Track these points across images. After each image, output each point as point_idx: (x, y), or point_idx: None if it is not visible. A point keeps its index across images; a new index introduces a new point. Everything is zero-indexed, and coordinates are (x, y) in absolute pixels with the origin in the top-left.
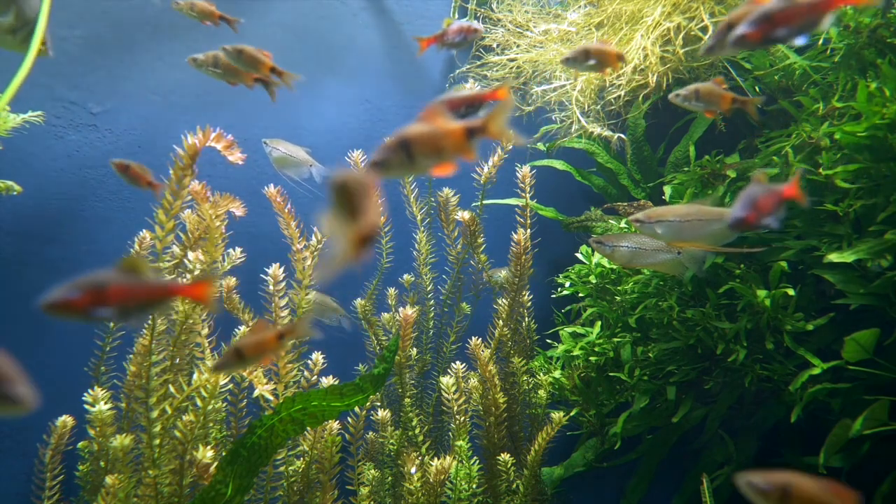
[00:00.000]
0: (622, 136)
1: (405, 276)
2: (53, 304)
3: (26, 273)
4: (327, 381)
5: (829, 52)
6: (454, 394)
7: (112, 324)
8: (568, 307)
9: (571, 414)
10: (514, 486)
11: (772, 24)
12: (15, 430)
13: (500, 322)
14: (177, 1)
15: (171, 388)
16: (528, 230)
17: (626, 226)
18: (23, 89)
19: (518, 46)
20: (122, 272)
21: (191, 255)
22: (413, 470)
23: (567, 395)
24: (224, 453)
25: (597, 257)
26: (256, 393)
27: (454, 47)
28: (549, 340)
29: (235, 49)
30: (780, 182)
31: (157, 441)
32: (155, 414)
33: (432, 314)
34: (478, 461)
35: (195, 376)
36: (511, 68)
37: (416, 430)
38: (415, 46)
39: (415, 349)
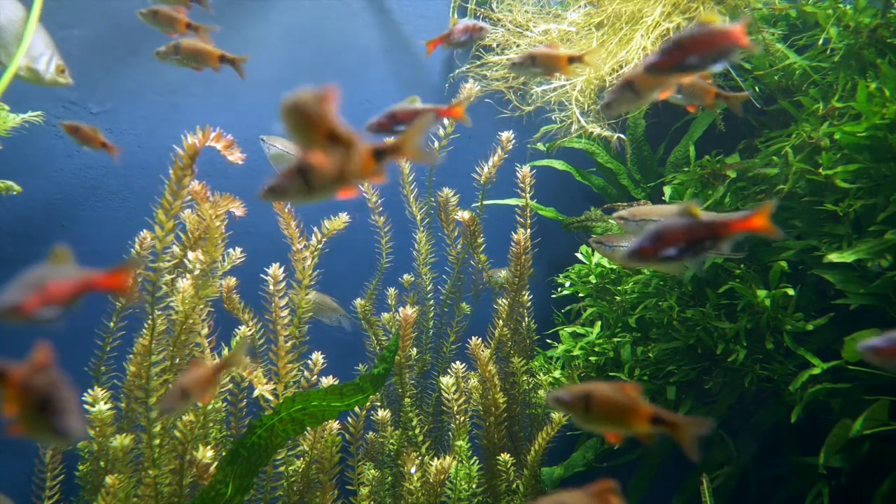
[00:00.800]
0: (622, 136)
1: (405, 276)
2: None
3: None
4: (327, 381)
5: (829, 52)
6: (454, 394)
7: (112, 324)
8: (568, 307)
9: None
10: (514, 486)
11: (683, 52)
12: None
13: (500, 322)
14: (141, 10)
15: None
16: (528, 230)
17: None
18: (23, 89)
19: (518, 46)
20: (46, 268)
21: (191, 254)
22: (413, 470)
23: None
24: (224, 453)
25: (597, 257)
26: (256, 393)
27: (460, 46)
28: (549, 340)
29: (151, 11)
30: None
31: (157, 441)
32: (155, 414)
33: (432, 314)
34: (478, 461)
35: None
36: None
37: (416, 430)
38: (415, 46)
39: (415, 349)
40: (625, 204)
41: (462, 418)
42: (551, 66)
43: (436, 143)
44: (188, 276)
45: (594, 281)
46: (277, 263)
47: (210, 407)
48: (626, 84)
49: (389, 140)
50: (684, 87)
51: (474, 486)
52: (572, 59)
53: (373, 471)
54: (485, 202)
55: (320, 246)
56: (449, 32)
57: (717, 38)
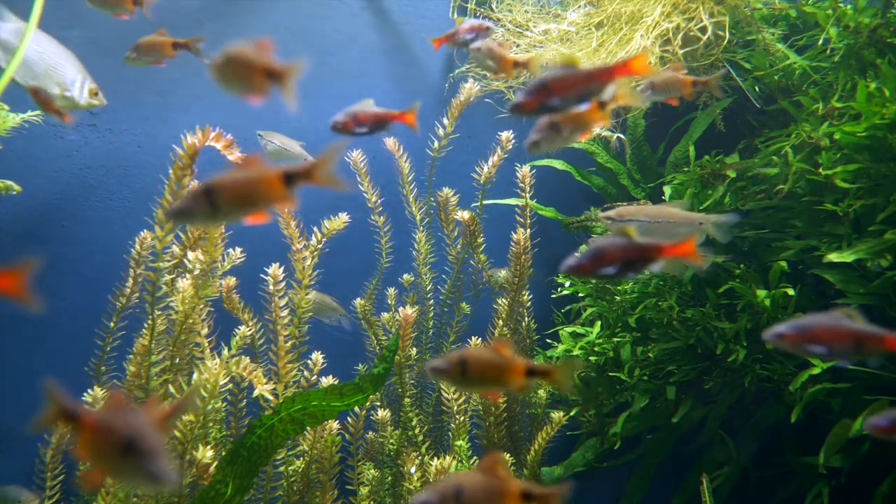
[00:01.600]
0: (621, 135)
1: (405, 276)
2: None
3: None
4: (327, 380)
5: (828, 52)
6: (454, 394)
7: (112, 324)
8: (568, 307)
9: (571, 414)
10: None
11: (548, 92)
12: (16, 429)
13: (500, 322)
14: (127, 56)
15: (171, 388)
16: (528, 230)
17: None
18: (23, 89)
19: (518, 46)
20: None
21: (190, 254)
22: (413, 470)
23: (567, 394)
24: (224, 453)
25: None
26: (256, 393)
27: (466, 46)
28: (548, 340)
29: (134, 49)
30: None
31: None
32: None
33: (432, 314)
34: (477, 461)
35: (195, 376)
36: None
37: (416, 430)
38: (415, 46)
39: (415, 349)
40: (625, 204)
41: (462, 418)
42: (498, 64)
43: (435, 143)
44: (188, 276)
45: (594, 281)
46: (277, 263)
47: (210, 407)
48: (550, 124)
49: (299, 165)
50: (657, 84)
51: None
52: (517, 63)
53: (373, 471)
54: (485, 202)
55: (320, 246)
56: (455, 31)
57: (583, 80)
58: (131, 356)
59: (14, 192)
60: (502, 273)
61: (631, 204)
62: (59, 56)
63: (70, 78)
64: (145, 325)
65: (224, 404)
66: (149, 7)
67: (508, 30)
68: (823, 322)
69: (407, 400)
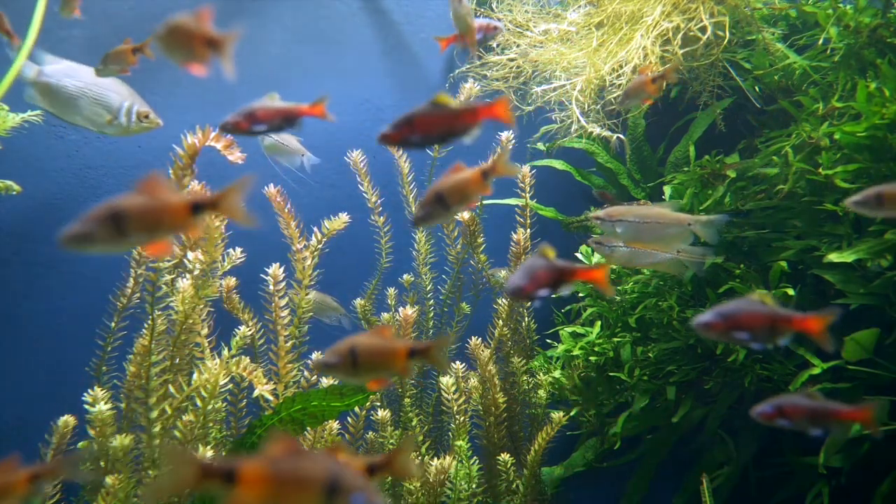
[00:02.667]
0: (621, 136)
1: (405, 276)
2: None
3: (27, 273)
4: (327, 381)
5: (828, 51)
6: (454, 394)
7: (113, 324)
8: (568, 307)
9: (571, 414)
10: (514, 485)
11: (412, 128)
12: (15, 429)
13: (500, 322)
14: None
15: (171, 388)
16: (528, 230)
17: None
18: (22, 89)
19: (518, 46)
20: None
21: (190, 255)
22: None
23: (567, 394)
24: (224, 453)
25: (597, 257)
26: (256, 393)
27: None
28: (548, 340)
29: (103, 61)
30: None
31: (157, 441)
32: (155, 414)
33: (432, 314)
34: (477, 461)
35: (195, 376)
36: (511, 68)
37: (416, 430)
38: (414, 46)
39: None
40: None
41: (462, 418)
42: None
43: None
44: (188, 276)
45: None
46: (277, 263)
47: (210, 407)
48: (435, 197)
49: (210, 195)
50: (629, 92)
51: (474, 485)
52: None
53: None
54: (485, 202)
55: (320, 246)
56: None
57: (449, 119)
58: (131, 356)
59: (14, 192)
60: (502, 273)
61: (632, 204)
62: (100, 86)
63: (117, 105)
64: (145, 326)
65: (224, 404)
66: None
67: (508, 30)
68: (744, 308)
69: (407, 400)
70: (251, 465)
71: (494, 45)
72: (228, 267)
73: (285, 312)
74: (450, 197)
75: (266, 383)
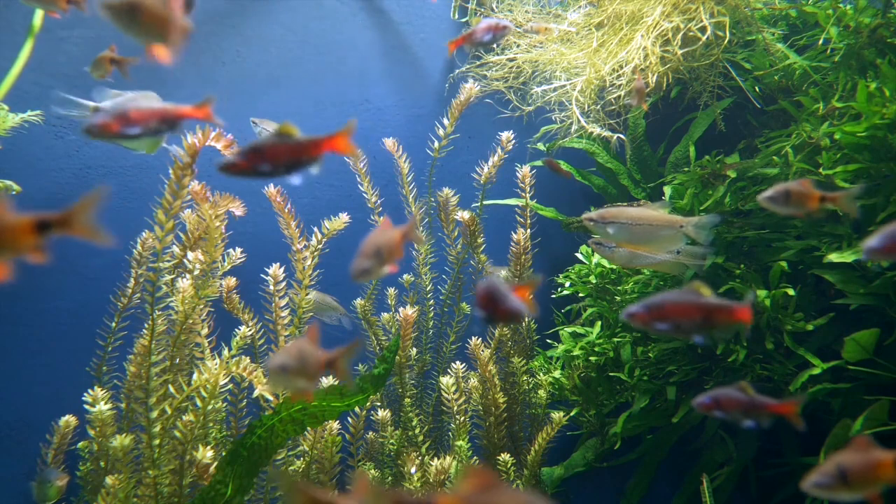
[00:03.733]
0: (621, 135)
1: (405, 276)
2: None
3: (26, 273)
4: (327, 381)
5: (829, 52)
6: (454, 394)
7: (114, 324)
8: (568, 307)
9: (571, 414)
10: (514, 485)
11: (260, 157)
12: (16, 429)
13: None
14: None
15: (171, 389)
16: (528, 230)
17: None
18: (22, 89)
19: (518, 46)
20: None
21: (190, 255)
22: (413, 470)
23: (567, 395)
24: (224, 453)
25: (597, 257)
26: (256, 393)
27: (483, 46)
28: (549, 340)
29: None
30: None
31: (157, 441)
32: (155, 414)
33: (432, 314)
34: (477, 461)
35: (195, 376)
36: (511, 68)
37: (416, 430)
38: (415, 46)
39: (415, 349)
40: (625, 204)
41: (462, 418)
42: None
43: (436, 143)
44: (188, 276)
45: (594, 281)
46: (277, 263)
47: (210, 407)
48: (376, 252)
49: (56, 212)
50: (636, 94)
51: None
52: None
53: (373, 471)
54: (485, 202)
55: (320, 246)
56: (472, 32)
57: (294, 150)
58: (132, 356)
59: (14, 192)
60: (502, 273)
61: (632, 204)
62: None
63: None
64: (146, 326)
65: (224, 404)
66: (84, 3)
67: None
68: (673, 298)
69: (407, 400)
70: (447, 499)
71: (494, 46)
72: (228, 267)
73: (285, 312)
74: (386, 254)
75: (266, 383)
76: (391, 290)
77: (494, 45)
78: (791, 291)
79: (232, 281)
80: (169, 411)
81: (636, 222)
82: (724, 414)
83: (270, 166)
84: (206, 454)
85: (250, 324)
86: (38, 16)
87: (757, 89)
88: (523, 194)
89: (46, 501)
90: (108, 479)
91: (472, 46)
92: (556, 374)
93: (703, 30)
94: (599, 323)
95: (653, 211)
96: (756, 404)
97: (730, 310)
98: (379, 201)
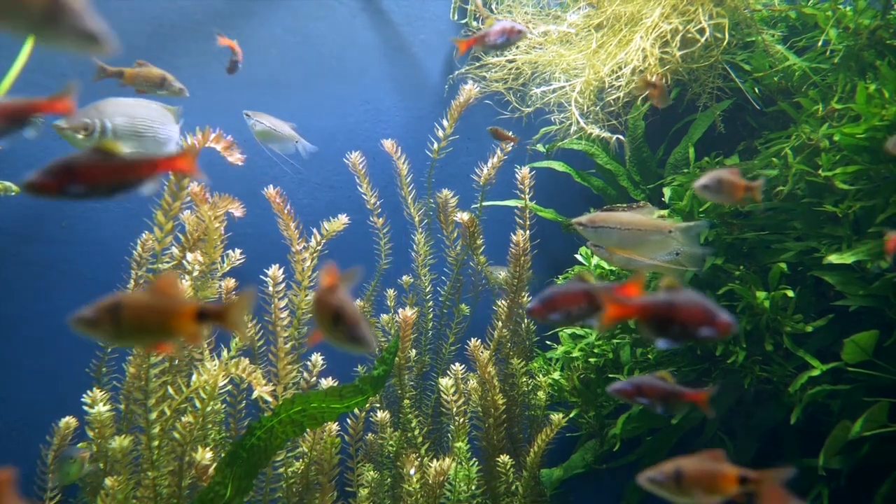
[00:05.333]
0: (620, 137)
1: (404, 278)
2: None
3: (26, 273)
4: (327, 382)
5: (828, 53)
6: (453, 395)
7: None
8: None
9: (571, 415)
10: (514, 487)
11: (72, 176)
12: (16, 430)
13: (500, 323)
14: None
15: (170, 390)
16: (528, 231)
17: None
18: (21, 89)
19: (517, 48)
20: None
21: (190, 256)
22: (412, 471)
23: (566, 396)
24: (223, 455)
25: (596, 259)
26: (255, 394)
27: (496, 49)
28: (548, 342)
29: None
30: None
31: (156, 442)
32: (154, 415)
33: (431, 315)
34: (477, 463)
35: (194, 378)
36: (510, 69)
37: (416, 432)
38: (414, 47)
39: (414, 350)
40: (624, 206)
41: (461, 420)
42: None
43: (435, 144)
44: (187, 277)
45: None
46: (277, 265)
47: (209, 408)
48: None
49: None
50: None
51: (473, 487)
52: None
53: (372, 472)
54: (484, 203)
55: (319, 247)
56: (485, 34)
57: (121, 170)
58: (131, 357)
59: (13, 193)
60: (502, 274)
61: (631, 206)
62: (154, 122)
63: (174, 136)
64: None
65: (223, 406)
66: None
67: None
68: (562, 289)
69: (406, 401)
70: None
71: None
72: (228, 268)
73: (285, 314)
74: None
75: (265, 385)
76: (390, 292)
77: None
78: (790, 293)
79: (231, 282)
80: (168, 413)
81: (624, 227)
82: (646, 401)
83: (85, 188)
84: (205, 455)
85: (249, 325)
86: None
87: (756, 91)
88: (523, 196)
89: (69, 480)
90: (108, 481)
91: (484, 49)
92: (556, 375)
93: (701, 31)
94: None
95: (641, 216)
96: (673, 392)
97: (612, 290)
98: (378, 203)
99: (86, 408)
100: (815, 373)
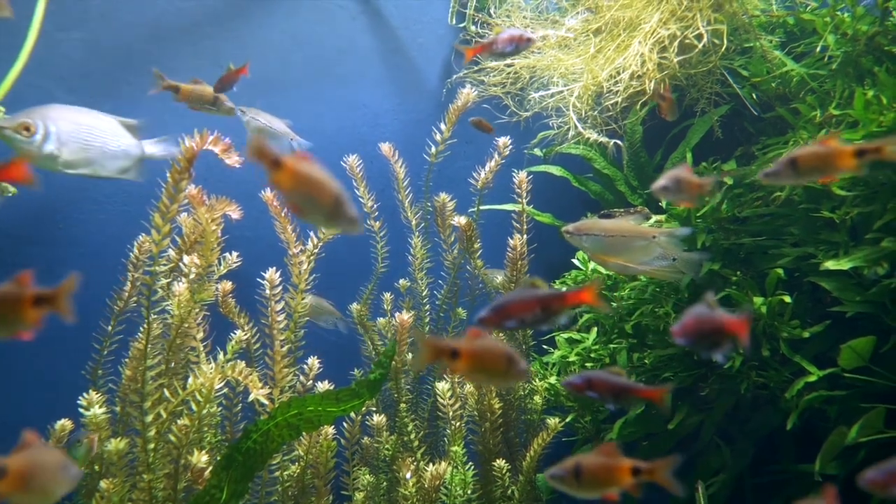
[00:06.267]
0: (618, 141)
1: (401, 281)
2: None
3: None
4: (323, 385)
5: (826, 59)
6: (449, 399)
7: (110, 327)
8: None
9: (567, 420)
10: (510, 491)
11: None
12: (13, 432)
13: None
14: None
15: (167, 392)
16: (525, 235)
17: None
18: (18, 90)
19: None
20: None
21: (187, 258)
22: (408, 475)
23: (563, 400)
24: (219, 458)
25: (593, 263)
26: (252, 397)
27: (504, 57)
28: (545, 346)
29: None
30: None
31: (152, 445)
32: (150, 418)
33: (428, 319)
34: (473, 467)
35: (190, 380)
36: (508, 73)
37: (412, 436)
38: (413, 51)
39: (410, 354)
40: (621, 210)
41: (457, 424)
42: None
43: (433, 148)
44: (184, 279)
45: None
46: (274, 267)
47: (205, 411)
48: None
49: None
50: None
51: (469, 491)
52: None
53: (368, 476)
54: (481, 207)
55: (316, 250)
56: (492, 41)
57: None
58: (127, 360)
59: (9, 195)
60: (499, 278)
61: (628, 210)
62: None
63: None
64: (141, 329)
65: (219, 409)
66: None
67: None
68: (513, 297)
69: (403, 405)
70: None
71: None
72: (224, 271)
73: (281, 317)
74: None
75: (262, 388)
76: (387, 295)
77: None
78: (787, 299)
79: (228, 285)
80: (164, 415)
81: (609, 234)
82: (597, 395)
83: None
84: (201, 458)
85: (246, 328)
86: (38, 16)
87: (754, 96)
88: (520, 200)
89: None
90: (103, 483)
91: (492, 57)
92: (552, 379)
93: (699, 37)
94: (595, 329)
95: (625, 223)
96: (627, 388)
97: (563, 296)
98: (375, 206)
99: (82, 410)
100: (812, 378)
